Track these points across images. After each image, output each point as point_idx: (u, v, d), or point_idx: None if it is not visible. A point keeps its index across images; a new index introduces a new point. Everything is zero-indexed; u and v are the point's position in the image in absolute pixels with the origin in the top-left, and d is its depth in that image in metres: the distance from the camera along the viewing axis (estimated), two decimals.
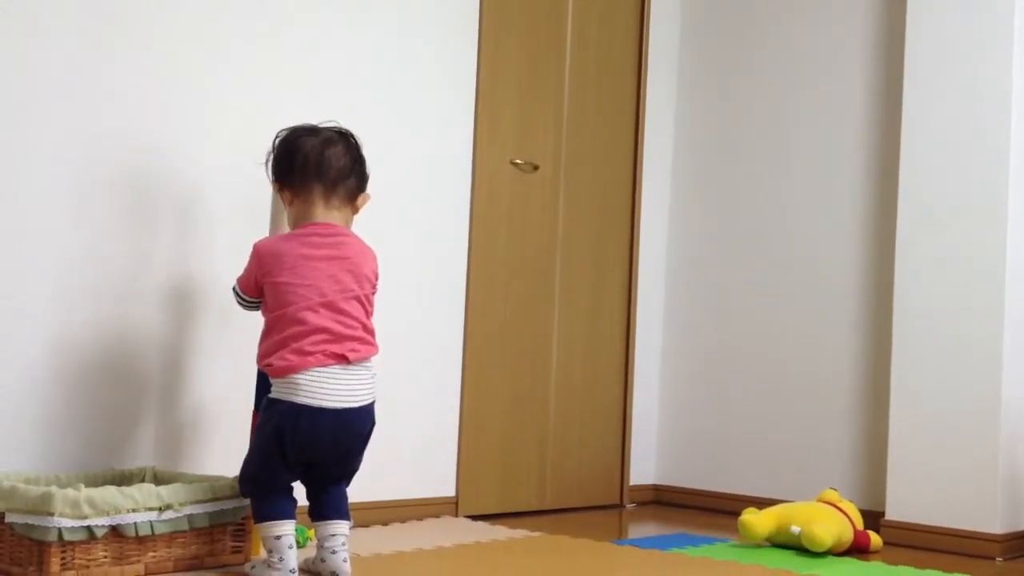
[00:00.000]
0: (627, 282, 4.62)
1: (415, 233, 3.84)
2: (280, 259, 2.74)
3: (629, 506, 4.58)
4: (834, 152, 4.40)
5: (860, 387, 4.27)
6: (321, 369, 2.67)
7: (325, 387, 2.67)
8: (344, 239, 2.80)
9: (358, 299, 2.77)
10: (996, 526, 3.76)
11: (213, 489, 2.80)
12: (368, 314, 2.81)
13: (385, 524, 3.64)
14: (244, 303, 2.86)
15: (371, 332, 2.80)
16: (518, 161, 4.17)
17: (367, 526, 3.54)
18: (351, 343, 2.72)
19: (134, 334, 3.11)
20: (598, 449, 4.50)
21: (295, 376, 2.66)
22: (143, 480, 3.00)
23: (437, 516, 3.86)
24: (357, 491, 3.57)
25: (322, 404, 2.67)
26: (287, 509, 2.73)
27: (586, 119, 4.44)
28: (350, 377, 2.71)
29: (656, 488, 4.74)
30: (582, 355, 4.44)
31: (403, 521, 3.71)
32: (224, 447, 3.24)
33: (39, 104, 2.92)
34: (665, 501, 4.70)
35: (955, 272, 3.90)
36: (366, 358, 2.76)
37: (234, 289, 2.86)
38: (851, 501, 3.92)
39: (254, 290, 2.80)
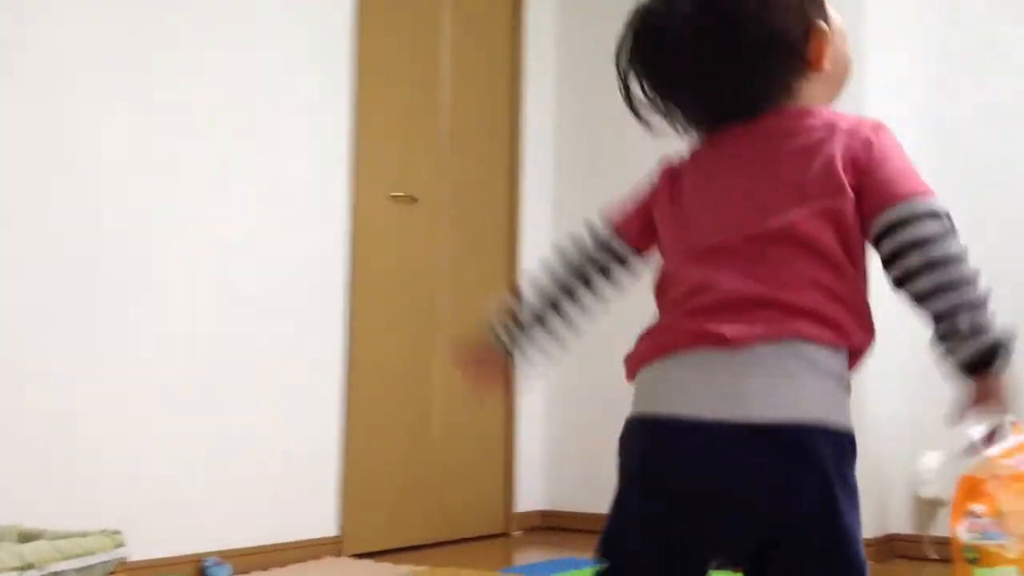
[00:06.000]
0: None
1: (291, 264, 3.78)
2: None
3: (516, 533, 4.58)
4: None
5: None
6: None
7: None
8: None
9: None
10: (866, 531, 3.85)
11: (79, 544, 2.73)
12: None
13: (265, 569, 3.56)
14: None
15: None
16: (397, 194, 4.17)
17: (246, 573, 3.47)
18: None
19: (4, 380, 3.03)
20: (483, 478, 4.50)
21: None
22: (7, 539, 2.91)
23: (318, 557, 3.78)
24: (235, 537, 3.51)
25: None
26: None
27: (465, 148, 4.47)
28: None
29: (544, 514, 4.75)
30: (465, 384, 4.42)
31: (283, 565, 3.63)
32: (96, 499, 3.16)
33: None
34: (554, 526, 4.71)
35: None
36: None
37: None
38: None
39: None
